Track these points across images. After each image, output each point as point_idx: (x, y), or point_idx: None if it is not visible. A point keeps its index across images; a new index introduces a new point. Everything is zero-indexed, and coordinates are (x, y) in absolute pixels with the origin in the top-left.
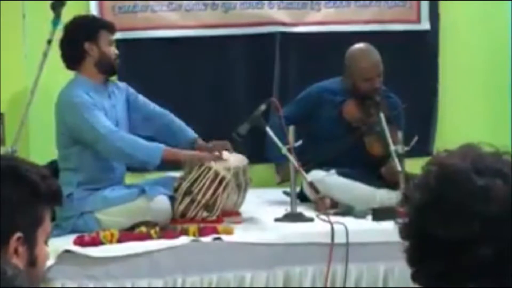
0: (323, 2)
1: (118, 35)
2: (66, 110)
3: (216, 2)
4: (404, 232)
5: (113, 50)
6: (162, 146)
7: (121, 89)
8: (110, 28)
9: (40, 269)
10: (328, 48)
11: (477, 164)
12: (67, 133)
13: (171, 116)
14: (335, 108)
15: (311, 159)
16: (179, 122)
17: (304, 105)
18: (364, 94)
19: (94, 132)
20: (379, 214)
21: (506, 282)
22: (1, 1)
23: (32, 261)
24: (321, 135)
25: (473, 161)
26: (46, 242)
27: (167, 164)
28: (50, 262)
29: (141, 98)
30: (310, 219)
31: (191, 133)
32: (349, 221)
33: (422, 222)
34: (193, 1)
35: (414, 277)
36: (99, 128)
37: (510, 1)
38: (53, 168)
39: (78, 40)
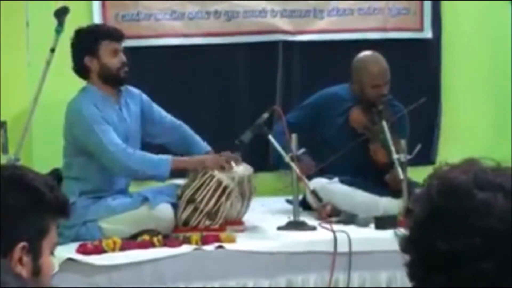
0: (326, 10)
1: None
2: (74, 121)
3: (219, 10)
4: (405, 245)
5: (118, 59)
6: (169, 158)
7: (135, 98)
8: (114, 36)
9: (44, 279)
10: (331, 57)
11: (478, 179)
12: (73, 143)
13: (185, 128)
14: (342, 114)
15: (317, 165)
16: (192, 135)
17: (311, 110)
18: (372, 101)
19: (102, 148)
20: (382, 222)
21: None
22: (5, 9)
23: (36, 271)
24: (327, 141)
25: (474, 176)
26: (52, 253)
27: (173, 172)
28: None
29: (156, 108)
30: (313, 228)
31: (204, 145)
32: (351, 229)
33: (423, 236)
34: (196, 10)
35: None
36: (108, 145)
37: None
38: (55, 176)
39: (78, 55)
